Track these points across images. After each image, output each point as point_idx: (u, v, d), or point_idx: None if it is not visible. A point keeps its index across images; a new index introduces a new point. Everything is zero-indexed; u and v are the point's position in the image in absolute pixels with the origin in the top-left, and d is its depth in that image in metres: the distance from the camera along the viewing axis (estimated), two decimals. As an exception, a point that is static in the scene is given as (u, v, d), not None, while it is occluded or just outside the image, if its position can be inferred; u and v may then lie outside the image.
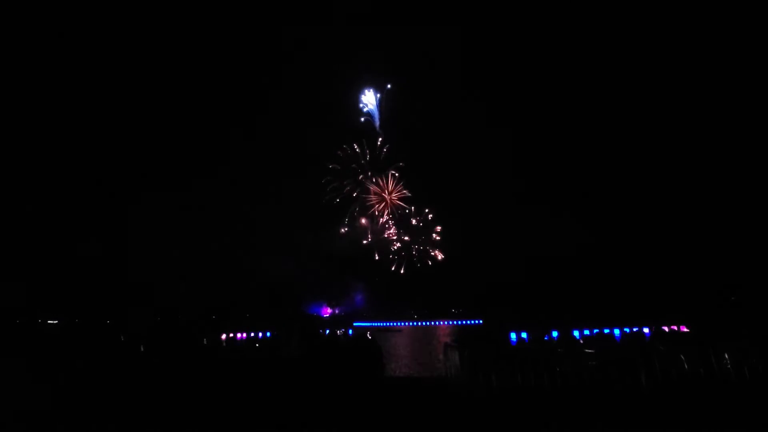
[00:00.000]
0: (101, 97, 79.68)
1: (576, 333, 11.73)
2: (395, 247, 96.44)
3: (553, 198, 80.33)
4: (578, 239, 69.84)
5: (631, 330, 12.17)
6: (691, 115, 67.76)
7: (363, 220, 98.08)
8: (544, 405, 7.76)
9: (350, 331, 22.68)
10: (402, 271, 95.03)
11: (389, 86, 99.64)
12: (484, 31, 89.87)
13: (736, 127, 62.46)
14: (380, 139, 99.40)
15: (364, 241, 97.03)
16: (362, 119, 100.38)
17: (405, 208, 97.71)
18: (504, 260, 77.82)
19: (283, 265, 78.82)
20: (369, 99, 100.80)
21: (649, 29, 71.84)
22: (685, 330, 12.90)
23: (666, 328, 12.39)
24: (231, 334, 19.43)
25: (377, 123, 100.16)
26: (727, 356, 7.99)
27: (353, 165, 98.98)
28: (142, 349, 13.72)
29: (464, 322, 73.04)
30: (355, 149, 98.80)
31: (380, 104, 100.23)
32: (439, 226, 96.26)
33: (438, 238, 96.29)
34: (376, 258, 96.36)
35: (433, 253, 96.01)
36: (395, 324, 70.95)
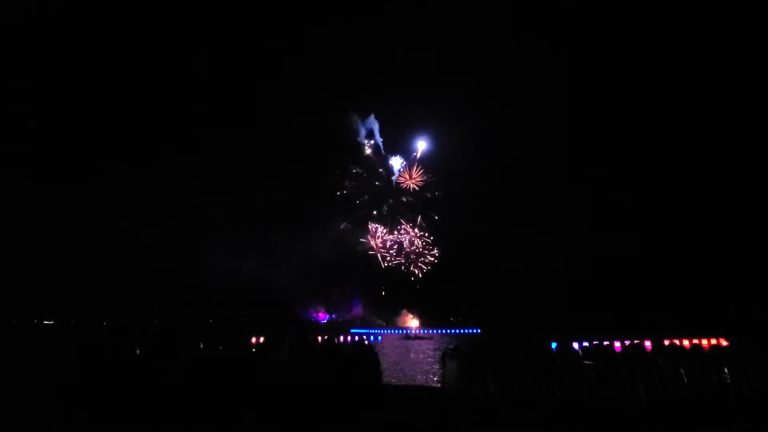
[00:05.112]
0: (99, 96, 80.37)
1: (575, 345, 11.61)
2: (394, 254, 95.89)
3: (554, 205, 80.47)
4: (585, 253, 69.81)
5: (631, 342, 12.04)
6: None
7: (370, 225, 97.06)
8: (542, 417, 7.68)
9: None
10: (402, 278, 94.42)
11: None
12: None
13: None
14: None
15: (365, 245, 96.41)
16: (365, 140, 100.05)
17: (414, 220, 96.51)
18: (504, 266, 77.83)
19: (274, 267, 77.32)
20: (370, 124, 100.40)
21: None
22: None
23: (666, 342, 12.28)
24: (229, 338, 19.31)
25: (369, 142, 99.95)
26: (726, 370, 7.92)
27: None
28: (137, 351, 13.62)
29: (463, 330, 72.46)
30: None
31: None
32: (439, 235, 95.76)
33: (433, 252, 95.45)
34: (378, 264, 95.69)
35: (432, 259, 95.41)
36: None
